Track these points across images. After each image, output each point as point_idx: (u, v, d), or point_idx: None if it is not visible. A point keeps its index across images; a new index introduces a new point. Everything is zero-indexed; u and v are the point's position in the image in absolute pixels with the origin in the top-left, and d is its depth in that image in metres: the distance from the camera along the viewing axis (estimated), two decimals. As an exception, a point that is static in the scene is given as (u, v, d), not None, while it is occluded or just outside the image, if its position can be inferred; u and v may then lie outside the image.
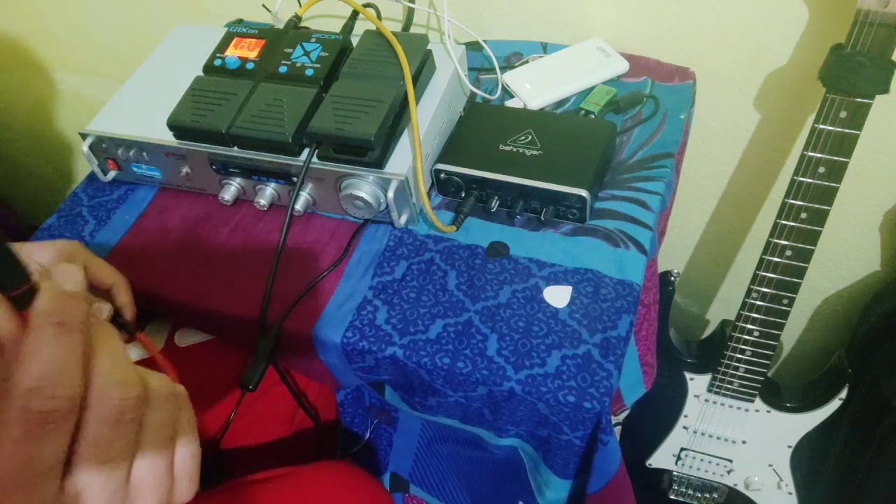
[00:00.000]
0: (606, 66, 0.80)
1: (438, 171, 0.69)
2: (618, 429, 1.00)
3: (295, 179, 0.68)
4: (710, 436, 0.92)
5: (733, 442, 0.92)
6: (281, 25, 0.77)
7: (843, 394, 0.85)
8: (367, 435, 0.91)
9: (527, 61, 0.84)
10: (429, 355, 0.61)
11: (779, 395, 0.88)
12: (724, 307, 1.13)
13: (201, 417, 0.75)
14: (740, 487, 0.96)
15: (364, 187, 0.66)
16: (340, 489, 0.71)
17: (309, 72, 0.69)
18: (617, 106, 0.77)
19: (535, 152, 0.68)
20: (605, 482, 0.64)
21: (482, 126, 0.72)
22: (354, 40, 0.73)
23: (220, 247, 0.71)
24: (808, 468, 0.96)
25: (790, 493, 0.94)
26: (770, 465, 0.93)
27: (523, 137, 0.70)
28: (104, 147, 0.74)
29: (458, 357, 0.60)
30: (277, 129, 0.65)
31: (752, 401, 0.87)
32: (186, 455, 0.31)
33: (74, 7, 1.09)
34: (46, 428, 0.25)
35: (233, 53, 0.73)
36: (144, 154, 0.73)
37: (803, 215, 0.71)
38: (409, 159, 0.65)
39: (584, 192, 0.65)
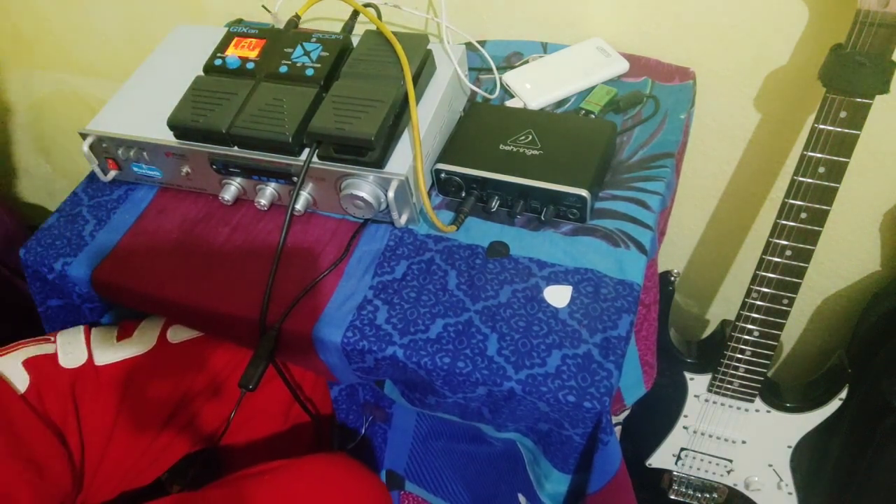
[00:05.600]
0: (606, 66, 0.80)
1: (439, 171, 0.69)
2: (618, 429, 1.00)
3: (295, 179, 0.68)
4: (710, 436, 0.92)
5: (733, 442, 0.92)
6: (281, 25, 0.77)
7: (843, 394, 0.85)
8: (363, 432, 0.91)
9: (527, 61, 0.84)
10: (429, 355, 0.61)
11: (779, 395, 0.88)
12: (724, 307, 1.13)
13: (195, 413, 0.75)
14: (740, 487, 0.96)
15: (364, 187, 0.66)
16: (337, 480, 0.70)
17: (309, 72, 0.69)
18: (617, 106, 0.77)
19: (535, 152, 0.68)
20: (606, 482, 0.64)
21: (482, 126, 0.72)
22: (355, 40, 0.73)
23: (220, 247, 0.71)
24: (808, 468, 0.96)
25: (790, 494, 0.94)
26: (770, 465, 0.93)
27: (523, 137, 0.70)
28: (104, 147, 0.74)
29: (459, 357, 0.60)
30: (278, 129, 0.66)
31: (752, 401, 0.87)
32: None
33: (74, 7, 1.09)
34: None
35: (233, 53, 0.73)
36: (144, 154, 0.73)
37: (803, 215, 0.71)
38: (409, 159, 0.65)
39: (584, 192, 0.65)
